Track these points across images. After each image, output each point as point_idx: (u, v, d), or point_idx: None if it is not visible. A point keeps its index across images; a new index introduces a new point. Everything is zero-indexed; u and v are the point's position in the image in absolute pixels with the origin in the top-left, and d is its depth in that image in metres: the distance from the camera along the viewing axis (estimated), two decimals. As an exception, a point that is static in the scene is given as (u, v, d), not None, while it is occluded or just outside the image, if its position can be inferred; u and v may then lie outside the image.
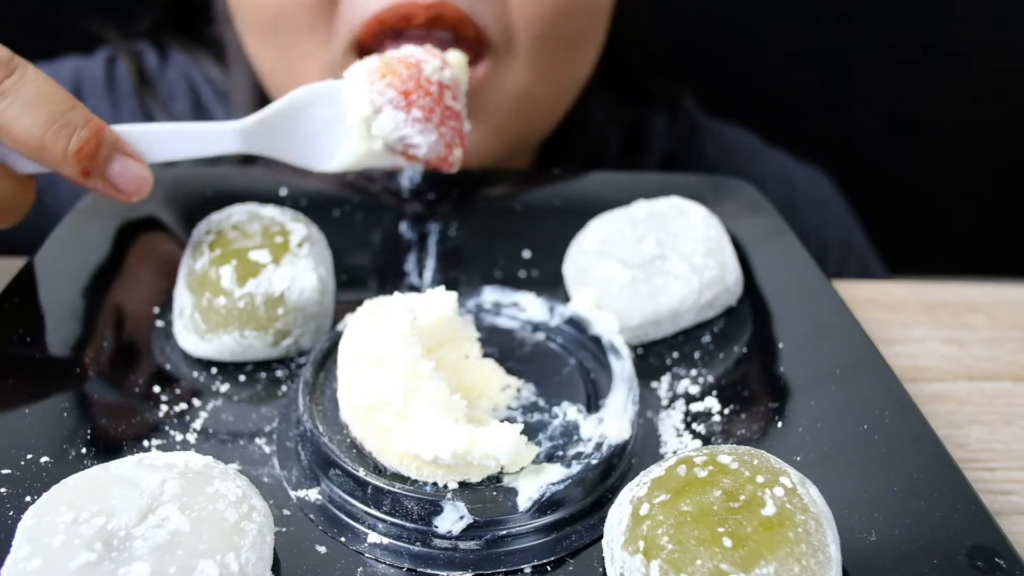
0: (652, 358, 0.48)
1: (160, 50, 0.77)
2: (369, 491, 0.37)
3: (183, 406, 0.43)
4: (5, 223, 0.46)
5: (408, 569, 0.35)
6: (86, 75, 0.75)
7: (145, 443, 0.40)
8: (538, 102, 0.64)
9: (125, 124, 0.46)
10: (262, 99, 0.70)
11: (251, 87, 0.71)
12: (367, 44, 0.57)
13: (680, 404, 0.45)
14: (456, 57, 0.51)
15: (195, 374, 0.45)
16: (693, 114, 0.83)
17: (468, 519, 0.36)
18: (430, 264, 0.55)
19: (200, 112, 0.75)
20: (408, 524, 0.36)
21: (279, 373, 0.46)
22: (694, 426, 0.43)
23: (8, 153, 0.45)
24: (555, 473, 0.37)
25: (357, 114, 0.47)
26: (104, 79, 0.75)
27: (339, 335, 0.43)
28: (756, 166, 0.84)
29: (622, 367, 0.43)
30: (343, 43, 0.58)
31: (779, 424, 0.42)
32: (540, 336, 0.48)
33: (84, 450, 0.39)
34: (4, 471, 0.36)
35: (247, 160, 0.72)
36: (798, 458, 0.39)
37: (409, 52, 0.48)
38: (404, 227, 0.57)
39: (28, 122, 0.42)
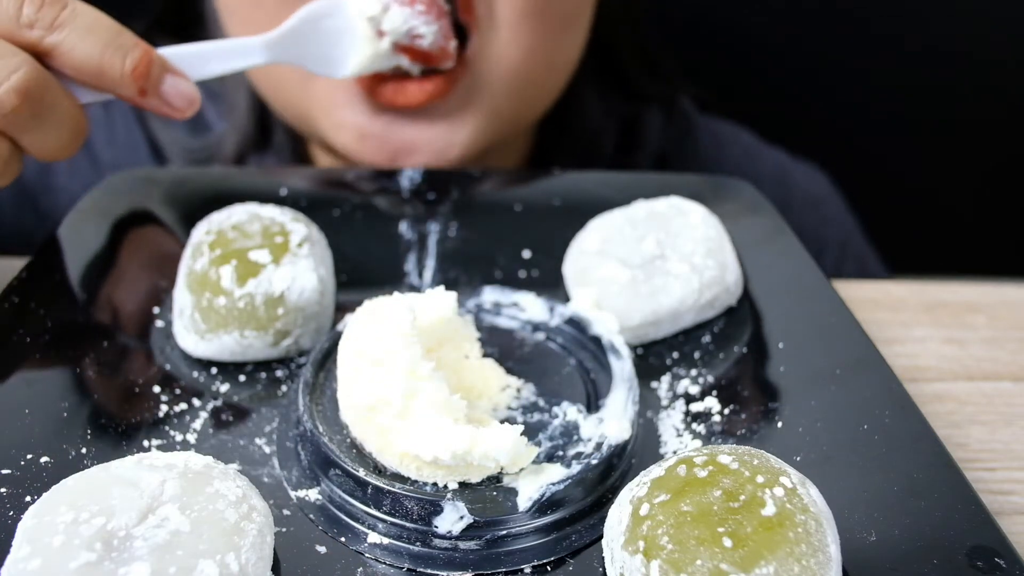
0: (652, 358, 0.48)
1: None
2: (369, 491, 0.37)
3: (183, 406, 0.43)
4: (74, 148, 0.49)
5: (408, 569, 0.35)
6: None
7: (145, 443, 0.40)
8: (528, 82, 0.64)
9: (163, 47, 0.50)
10: (257, 101, 0.70)
11: (245, 90, 0.71)
12: None
13: (680, 404, 0.45)
14: None
15: (195, 374, 0.45)
16: (689, 112, 0.83)
17: (468, 519, 0.36)
18: (430, 264, 0.55)
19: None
20: (408, 524, 0.36)
21: (279, 373, 0.46)
22: (694, 426, 0.43)
23: (68, 84, 0.47)
24: (555, 473, 0.37)
25: (366, 14, 0.53)
26: None
27: (339, 335, 0.43)
28: (753, 164, 0.83)
29: (622, 367, 0.43)
30: None
31: (779, 424, 0.42)
32: (540, 336, 0.48)
33: (84, 450, 0.39)
34: (4, 471, 0.36)
35: (245, 160, 0.72)
36: (798, 458, 0.39)
37: None
38: (404, 227, 0.57)
39: (87, 48, 0.45)
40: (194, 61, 0.50)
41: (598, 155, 0.78)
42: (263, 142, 0.73)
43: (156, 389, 0.44)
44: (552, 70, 0.66)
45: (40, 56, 0.45)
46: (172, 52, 0.50)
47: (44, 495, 0.32)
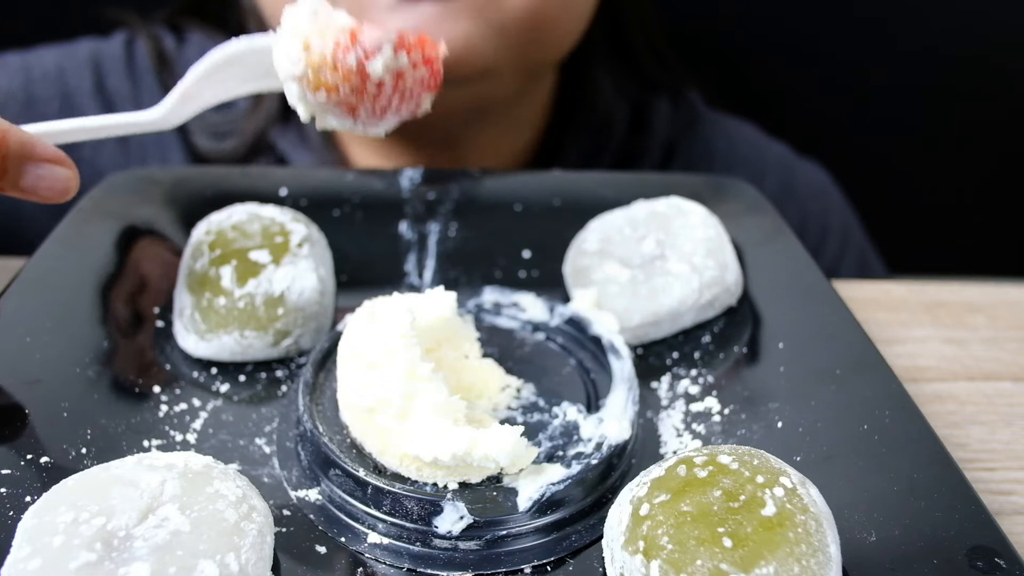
0: (652, 358, 0.48)
1: (177, 33, 0.78)
2: (369, 491, 0.37)
3: (183, 406, 0.43)
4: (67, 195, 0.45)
5: (408, 569, 0.35)
6: (105, 55, 0.76)
7: (145, 443, 0.40)
8: (548, 21, 0.64)
9: (42, 123, 0.43)
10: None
11: None
12: None
13: (680, 404, 0.45)
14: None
15: (195, 374, 0.45)
16: (696, 104, 0.84)
17: (468, 519, 0.36)
18: (430, 264, 0.55)
19: None
20: (408, 524, 0.36)
21: (279, 373, 0.46)
22: (694, 426, 0.43)
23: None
24: (555, 473, 0.37)
25: (292, 73, 0.40)
26: (123, 58, 0.76)
27: (339, 335, 0.43)
28: (758, 155, 0.84)
29: (622, 367, 0.43)
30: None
31: (779, 424, 0.42)
32: (540, 336, 0.48)
33: (84, 450, 0.39)
34: (4, 471, 0.36)
35: (247, 160, 0.72)
36: (798, 458, 0.39)
37: (346, 38, 0.39)
38: (404, 227, 0.57)
39: None
40: (79, 135, 0.44)
41: (609, 135, 0.78)
42: (285, 117, 0.73)
43: (156, 389, 0.44)
44: (569, 14, 0.67)
45: None
46: (52, 129, 0.43)
47: (44, 495, 0.32)
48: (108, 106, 0.74)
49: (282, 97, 0.72)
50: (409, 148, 0.73)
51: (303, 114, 0.41)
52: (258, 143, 0.73)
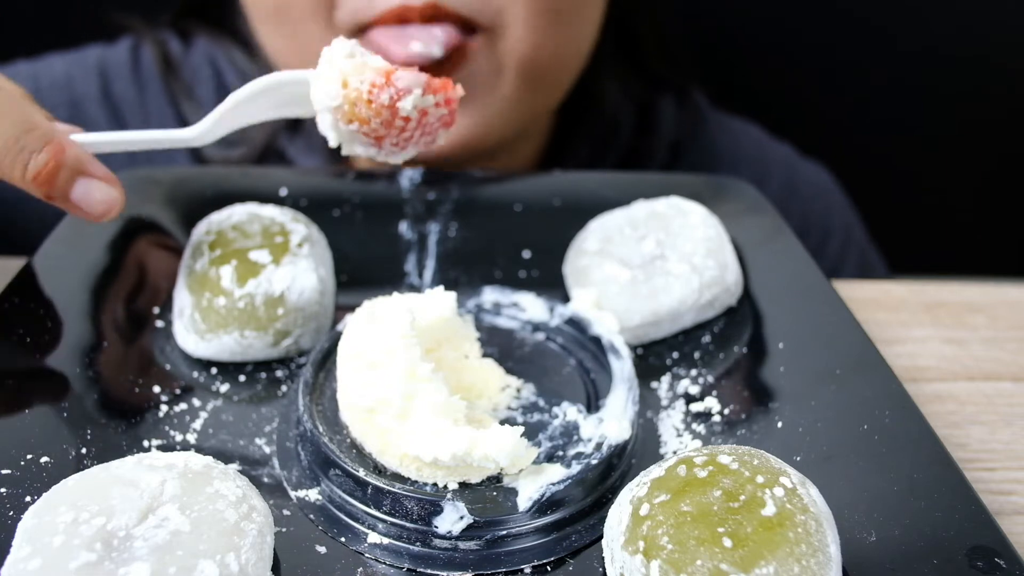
0: (652, 358, 0.48)
1: (183, 37, 0.78)
2: (369, 491, 0.37)
3: (183, 406, 0.43)
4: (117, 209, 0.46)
5: (408, 569, 0.35)
6: (111, 61, 0.77)
7: (145, 443, 0.40)
8: (543, 70, 0.65)
9: (89, 134, 0.45)
10: None
11: None
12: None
13: (680, 404, 0.45)
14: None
15: (195, 374, 0.45)
16: (701, 104, 0.84)
17: (468, 519, 0.36)
18: (430, 264, 0.55)
19: (223, 95, 0.77)
20: (408, 524, 0.36)
21: (279, 373, 0.46)
22: (694, 426, 0.43)
23: None
24: (555, 473, 0.37)
25: (328, 105, 0.43)
26: (129, 64, 0.76)
27: (339, 335, 0.43)
28: (762, 155, 0.85)
29: (622, 367, 0.43)
30: (346, 30, 0.60)
31: (779, 424, 0.42)
32: (540, 336, 0.48)
33: (84, 450, 0.39)
34: (4, 471, 0.36)
35: (248, 160, 0.73)
36: (798, 458, 0.39)
37: (381, 79, 0.42)
38: (404, 227, 0.57)
39: None
40: (122, 147, 0.45)
41: (616, 137, 0.79)
42: (293, 125, 0.73)
43: (156, 389, 0.44)
44: (561, 62, 0.67)
45: None
46: (97, 140, 0.45)
47: (44, 495, 0.32)
48: (114, 112, 0.75)
49: None
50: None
51: (332, 140, 0.44)
52: (267, 151, 0.73)
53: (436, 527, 0.36)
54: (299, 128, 0.73)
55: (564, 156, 0.78)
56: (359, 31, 0.60)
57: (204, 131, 0.46)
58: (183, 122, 0.75)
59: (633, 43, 0.79)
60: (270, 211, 0.50)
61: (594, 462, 0.38)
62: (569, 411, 0.42)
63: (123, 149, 0.46)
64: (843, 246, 0.86)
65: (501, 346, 0.47)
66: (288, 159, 0.73)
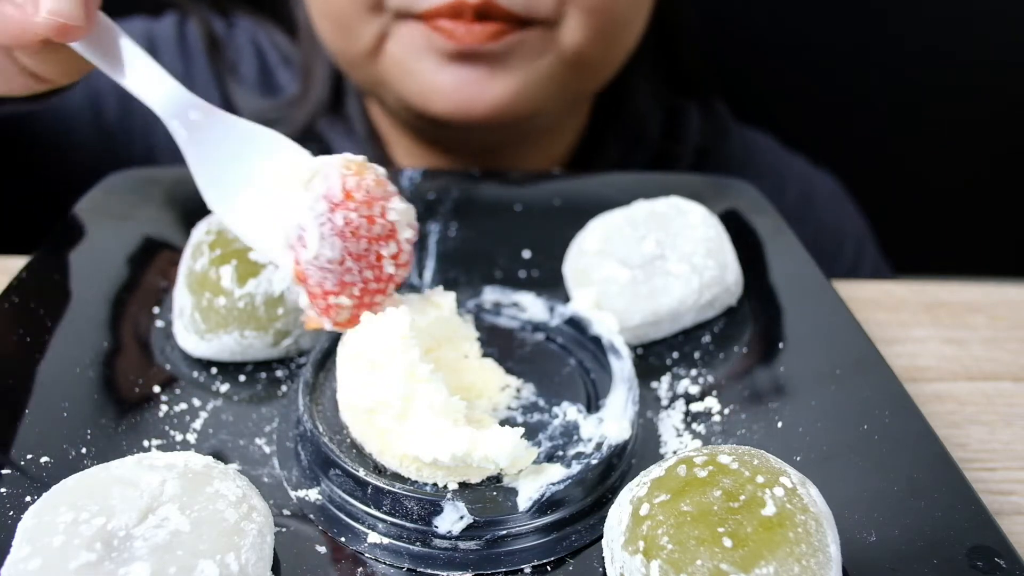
0: (652, 358, 0.48)
1: (225, 17, 0.79)
2: (369, 491, 0.37)
3: (183, 406, 0.43)
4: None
5: (408, 569, 0.35)
6: (157, 34, 0.77)
7: (145, 443, 0.40)
8: (589, 61, 0.66)
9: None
10: (334, 70, 0.73)
11: (324, 59, 0.73)
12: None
13: (680, 404, 0.45)
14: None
15: (195, 374, 0.45)
16: (723, 114, 0.86)
17: (468, 519, 0.36)
18: (430, 264, 0.55)
19: (266, 75, 0.78)
20: (408, 524, 0.36)
21: (279, 373, 0.46)
22: (694, 426, 0.43)
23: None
24: (555, 473, 0.37)
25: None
26: (176, 39, 0.77)
27: (339, 335, 0.43)
28: (778, 166, 0.86)
29: (622, 367, 0.43)
30: (394, 12, 0.61)
31: (779, 424, 0.42)
32: (540, 336, 0.48)
33: (84, 450, 0.39)
34: (4, 471, 0.36)
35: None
36: (798, 458, 0.39)
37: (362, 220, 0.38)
38: (404, 227, 0.57)
39: None
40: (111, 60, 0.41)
41: (645, 139, 0.80)
42: (334, 108, 0.74)
43: (156, 389, 0.44)
44: (607, 58, 0.68)
45: None
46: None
47: (44, 495, 0.32)
48: None
49: (331, 88, 0.74)
50: (450, 155, 0.74)
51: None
52: (306, 133, 0.73)
53: (436, 527, 0.36)
54: (339, 111, 0.74)
55: (595, 155, 0.79)
56: (404, 16, 0.61)
57: (173, 101, 0.42)
58: (227, 99, 0.76)
59: (669, 48, 0.80)
60: (270, 211, 0.50)
61: (594, 462, 0.38)
62: (569, 411, 0.42)
63: (109, 69, 0.41)
64: (856, 256, 0.87)
65: (501, 346, 0.47)
66: (327, 143, 0.73)
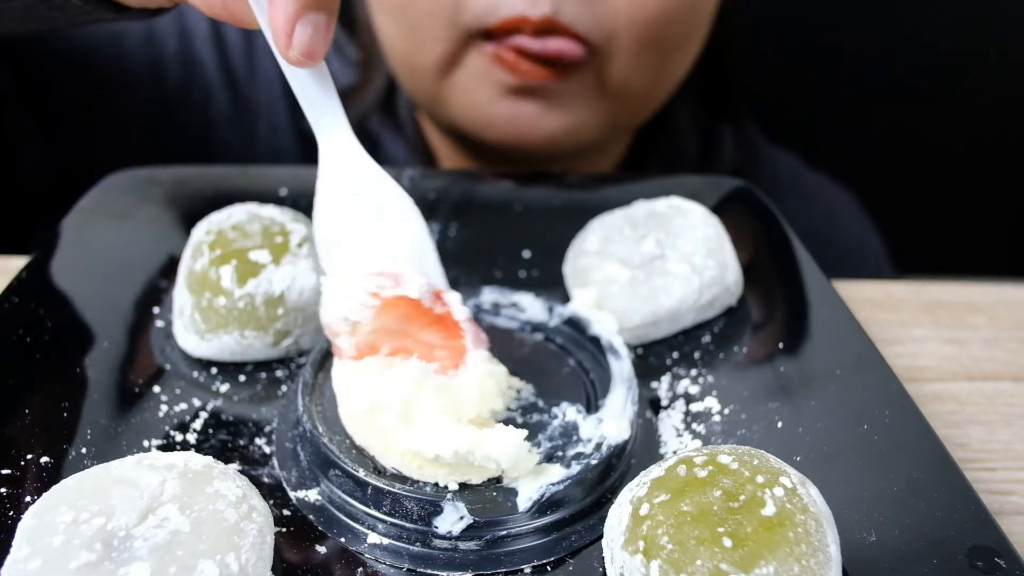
0: (652, 358, 0.48)
1: None
2: (369, 491, 0.37)
3: (183, 406, 0.43)
4: None
5: (408, 569, 0.35)
6: (191, 19, 0.77)
7: (145, 443, 0.40)
8: (638, 94, 0.67)
9: None
10: (391, 79, 0.73)
11: (383, 68, 0.73)
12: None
13: (680, 404, 0.45)
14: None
15: (195, 374, 0.45)
16: (755, 136, 0.87)
17: (468, 519, 0.36)
18: (430, 264, 0.55)
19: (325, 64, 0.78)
20: (408, 524, 0.36)
21: (279, 373, 0.46)
22: (694, 426, 0.43)
23: None
24: (555, 473, 0.37)
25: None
26: (208, 25, 0.77)
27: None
28: (803, 185, 0.88)
29: (621, 367, 0.43)
30: (466, 30, 0.61)
31: (779, 424, 0.42)
32: (539, 336, 0.48)
33: (84, 450, 0.39)
34: (4, 471, 0.36)
35: (248, 160, 0.73)
36: (798, 458, 0.39)
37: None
38: (404, 227, 0.57)
39: None
40: None
41: (684, 160, 0.81)
42: (387, 107, 0.75)
43: (156, 389, 0.44)
44: (656, 90, 0.69)
45: None
46: None
47: (44, 495, 0.32)
48: (222, 53, 0.76)
49: (386, 86, 0.74)
50: (495, 164, 0.74)
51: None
52: (358, 131, 0.74)
53: (436, 527, 0.36)
54: (390, 110, 0.75)
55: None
56: (476, 36, 0.61)
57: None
58: (281, 79, 0.76)
59: (714, 77, 0.81)
60: (270, 211, 0.50)
61: (594, 462, 0.38)
62: (568, 411, 0.42)
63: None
64: (875, 270, 0.88)
65: (501, 346, 0.47)
66: (377, 140, 0.74)
